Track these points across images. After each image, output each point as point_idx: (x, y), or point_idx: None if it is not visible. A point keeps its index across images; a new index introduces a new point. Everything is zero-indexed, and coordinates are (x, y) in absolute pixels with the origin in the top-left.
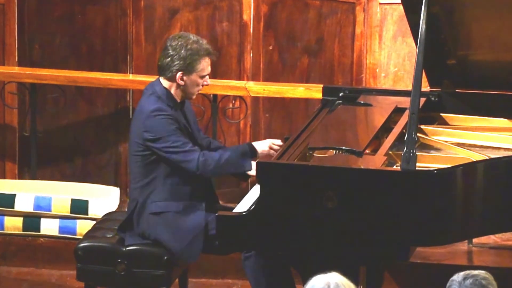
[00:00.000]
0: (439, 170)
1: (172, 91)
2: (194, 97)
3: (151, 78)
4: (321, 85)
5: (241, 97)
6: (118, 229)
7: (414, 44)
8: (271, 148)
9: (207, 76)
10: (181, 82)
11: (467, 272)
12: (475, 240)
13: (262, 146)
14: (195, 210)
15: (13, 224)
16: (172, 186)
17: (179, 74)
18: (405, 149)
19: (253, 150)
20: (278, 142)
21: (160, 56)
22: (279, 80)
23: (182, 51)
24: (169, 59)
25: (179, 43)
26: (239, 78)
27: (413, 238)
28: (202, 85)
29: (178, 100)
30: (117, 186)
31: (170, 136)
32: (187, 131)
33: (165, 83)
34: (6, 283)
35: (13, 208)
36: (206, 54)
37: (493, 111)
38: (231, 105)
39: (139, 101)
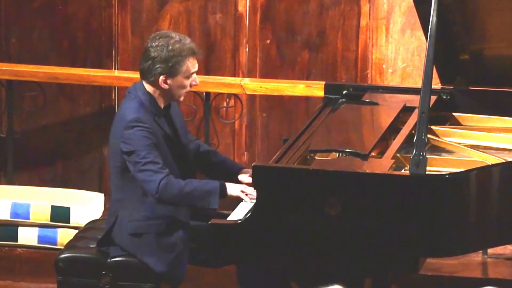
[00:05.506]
0: (451, 174)
1: (156, 96)
2: (181, 99)
3: (138, 75)
4: (323, 82)
5: (236, 95)
6: (98, 245)
7: (424, 38)
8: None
9: (195, 75)
10: (165, 86)
11: None
12: (490, 251)
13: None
14: (178, 227)
15: None
16: (152, 203)
17: (161, 77)
18: (414, 151)
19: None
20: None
21: (141, 58)
22: (277, 76)
23: (164, 53)
24: (150, 62)
25: (160, 44)
26: (234, 74)
27: (423, 248)
28: (191, 85)
29: (163, 106)
30: (101, 192)
31: (141, 151)
32: (170, 141)
33: (148, 87)
34: None
35: None
36: (190, 54)
37: (510, 110)
38: (225, 104)
39: (121, 103)
